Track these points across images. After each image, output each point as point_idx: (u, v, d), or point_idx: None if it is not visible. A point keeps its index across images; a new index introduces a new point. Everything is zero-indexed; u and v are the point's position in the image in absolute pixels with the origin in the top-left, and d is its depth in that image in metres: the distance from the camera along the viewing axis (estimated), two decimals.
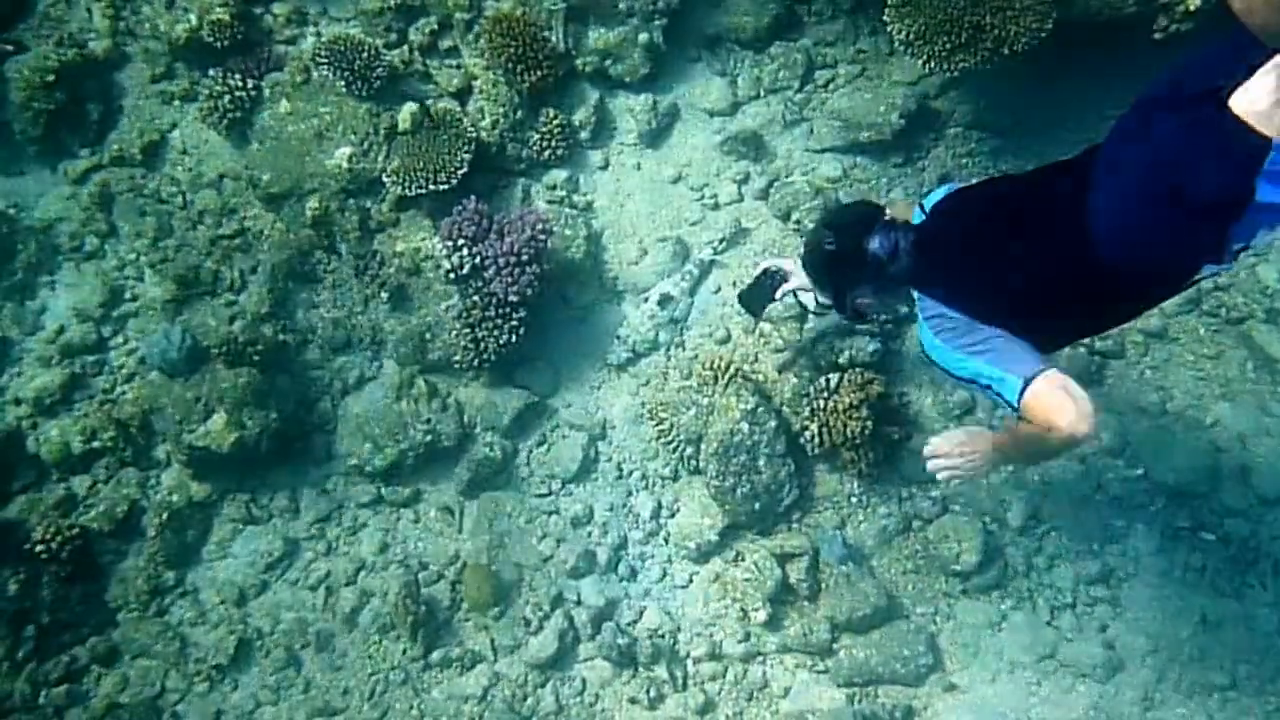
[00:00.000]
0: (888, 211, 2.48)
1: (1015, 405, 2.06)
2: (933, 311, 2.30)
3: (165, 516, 3.46)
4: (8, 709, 3.23)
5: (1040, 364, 2.07)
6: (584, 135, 3.89)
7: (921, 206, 2.58)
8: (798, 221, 3.84)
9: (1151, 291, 2.13)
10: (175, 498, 3.48)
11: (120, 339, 3.60)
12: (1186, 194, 1.85)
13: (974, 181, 2.47)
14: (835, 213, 2.51)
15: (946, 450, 2.38)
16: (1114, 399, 3.62)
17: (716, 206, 3.92)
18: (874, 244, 2.39)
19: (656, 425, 3.74)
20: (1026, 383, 2.04)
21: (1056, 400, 2.00)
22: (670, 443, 3.71)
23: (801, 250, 2.58)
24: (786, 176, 3.91)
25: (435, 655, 3.54)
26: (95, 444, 3.44)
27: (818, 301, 2.91)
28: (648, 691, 3.49)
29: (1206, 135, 1.82)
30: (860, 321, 2.68)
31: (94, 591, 3.40)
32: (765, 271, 3.13)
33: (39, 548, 3.28)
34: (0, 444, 3.34)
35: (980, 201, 2.36)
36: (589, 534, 3.67)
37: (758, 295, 3.14)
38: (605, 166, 3.93)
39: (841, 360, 3.67)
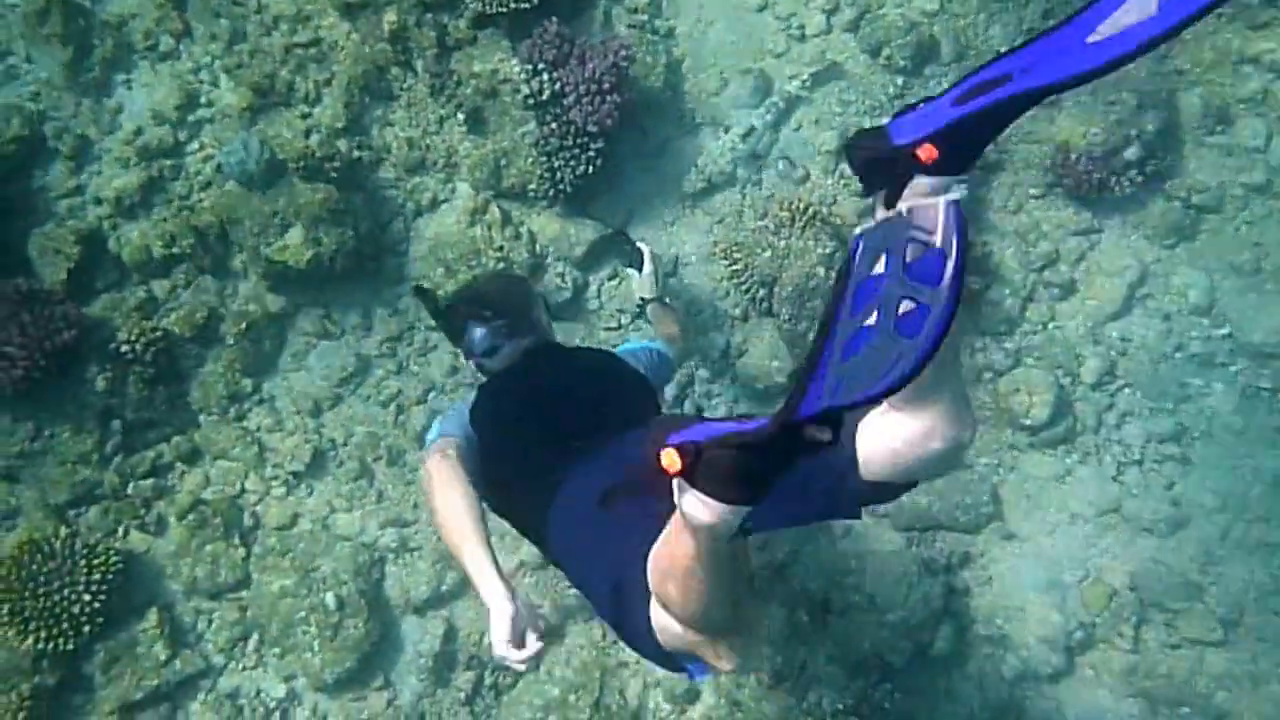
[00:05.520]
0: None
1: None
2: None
3: (243, 326, 3.50)
4: (99, 496, 3.36)
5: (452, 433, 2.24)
6: None
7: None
8: (888, 58, 3.66)
9: None
10: (252, 308, 3.51)
11: (196, 145, 3.56)
12: None
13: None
14: (485, 282, 2.74)
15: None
16: (1205, 254, 3.50)
17: (803, 38, 3.74)
18: (475, 334, 2.49)
19: (730, 265, 3.68)
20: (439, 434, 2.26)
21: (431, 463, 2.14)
22: (743, 283, 3.66)
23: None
24: (879, 8, 3.70)
25: None
26: (174, 250, 3.45)
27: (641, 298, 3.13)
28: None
29: None
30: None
31: (177, 394, 3.48)
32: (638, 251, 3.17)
33: (124, 348, 3.34)
34: (83, 242, 3.37)
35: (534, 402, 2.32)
36: None
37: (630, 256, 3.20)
38: None
39: None
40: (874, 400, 1.07)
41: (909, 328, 1.08)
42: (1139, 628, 3.38)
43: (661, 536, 1.51)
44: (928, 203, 1.10)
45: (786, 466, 1.17)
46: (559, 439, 2.13)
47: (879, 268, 1.10)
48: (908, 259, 1.10)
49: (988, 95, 1.13)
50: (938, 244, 1.09)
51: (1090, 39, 1.11)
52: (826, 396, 1.07)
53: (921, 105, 1.22)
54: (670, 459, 1.19)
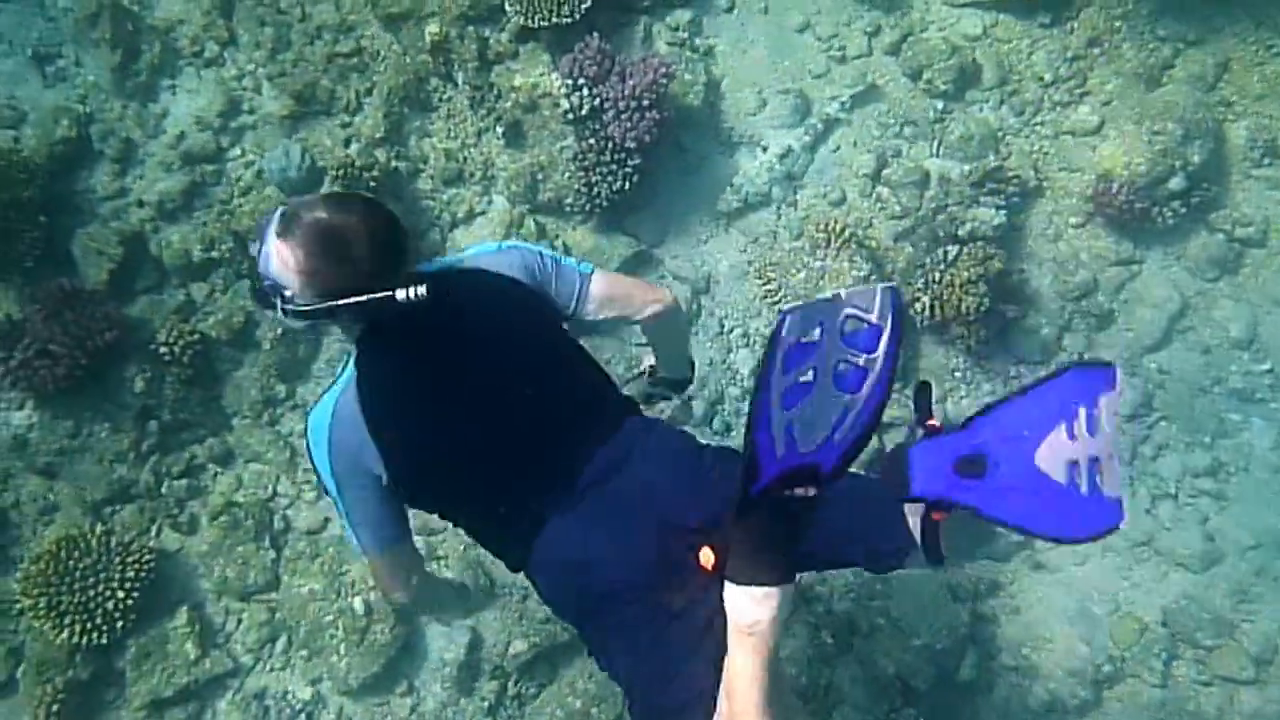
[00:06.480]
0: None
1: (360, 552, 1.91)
2: (345, 391, 1.75)
3: (279, 331, 3.53)
4: (134, 495, 3.41)
5: (385, 537, 1.84)
6: None
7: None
8: (929, 81, 3.65)
9: None
10: None
11: (238, 151, 3.60)
12: None
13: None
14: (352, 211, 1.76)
15: None
16: (1247, 288, 3.46)
17: (843, 60, 3.73)
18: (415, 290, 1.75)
19: (764, 285, 3.68)
20: (362, 552, 1.88)
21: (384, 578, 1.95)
22: (777, 303, 3.66)
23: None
24: (921, 31, 3.70)
25: None
26: (214, 253, 3.49)
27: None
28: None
29: None
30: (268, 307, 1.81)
31: (212, 396, 3.52)
32: None
33: (162, 349, 3.38)
34: (126, 243, 3.41)
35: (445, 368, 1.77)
36: None
37: None
38: (730, 9, 3.75)
39: (962, 233, 3.55)
40: (845, 453, 1.26)
41: (847, 383, 1.25)
42: (1169, 663, 3.34)
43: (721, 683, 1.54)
44: (865, 288, 1.28)
45: (798, 527, 1.33)
46: (502, 442, 1.75)
47: (811, 337, 1.26)
48: (845, 330, 1.26)
49: (972, 488, 1.42)
50: (874, 320, 1.26)
51: (1037, 459, 1.41)
52: (782, 450, 1.25)
53: (936, 440, 1.48)
54: (706, 557, 1.40)
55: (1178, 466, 3.45)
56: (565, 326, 1.96)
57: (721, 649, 1.61)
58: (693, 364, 2.39)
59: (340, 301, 1.65)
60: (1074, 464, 1.41)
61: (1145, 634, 3.34)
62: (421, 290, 1.65)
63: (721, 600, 1.59)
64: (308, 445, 1.79)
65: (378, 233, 1.67)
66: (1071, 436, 1.42)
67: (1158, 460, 3.48)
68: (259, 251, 1.70)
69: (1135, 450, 3.50)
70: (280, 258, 1.66)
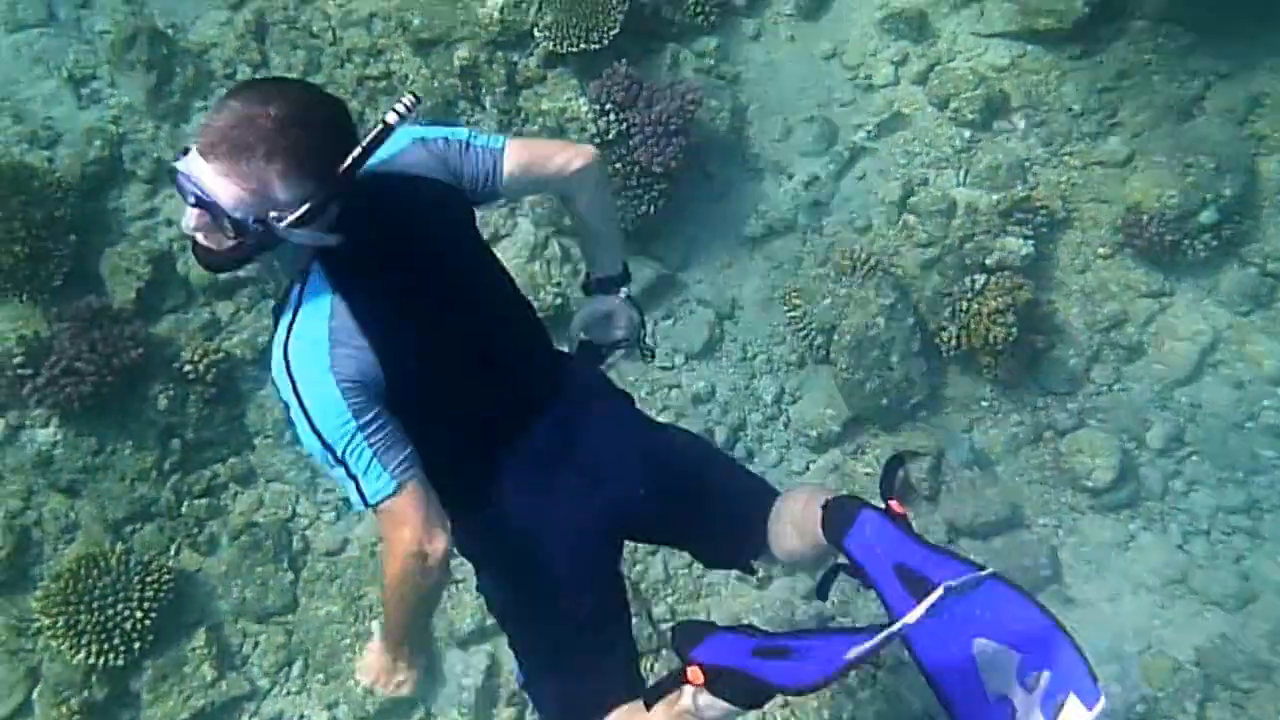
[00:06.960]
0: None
1: (367, 503, 1.56)
2: (333, 313, 1.52)
3: None
4: (154, 513, 3.40)
5: (411, 456, 1.58)
6: (739, 1, 3.72)
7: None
8: (956, 110, 3.64)
9: None
10: None
11: None
12: None
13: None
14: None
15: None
16: None
17: (870, 88, 3.73)
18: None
19: (790, 311, 3.66)
20: (399, 485, 1.54)
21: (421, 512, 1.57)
22: (801, 330, 3.63)
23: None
24: (948, 61, 3.69)
25: None
26: (239, 272, 3.50)
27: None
28: (757, 571, 3.50)
29: None
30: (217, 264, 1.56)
31: (235, 415, 3.52)
32: None
33: (187, 368, 3.39)
34: (154, 263, 3.44)
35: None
36: (709, 412, 3.65)
37: None
38: (757, 37, 3.76)
39: (989, 262, 3.52)
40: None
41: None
42: (1204, 705, 3.25)
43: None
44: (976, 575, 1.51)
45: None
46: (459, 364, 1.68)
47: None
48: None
49: (907, 605, 1.49)
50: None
51: (976, 649, 1.48)
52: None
53: (895, 528, 1.65)
54: (695, 676, 1.55)
55: (1210, 503, 3.38)
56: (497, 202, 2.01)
57: (627, 641, 1.90)
58: (625, 264, 2.12)
59: (346, 163, 1.41)
60: (1007, 702, 1.45)
61: (1179, 674, 3.25)
62: (410, 100, 1.47)
63: (625, 594, 1.93)
64: (296, 388, 1.50)
65: (310, 100, 1.45)
66: (1024, 685, 1.45)
67: (1190, 496, 3.41)
68: (210, 207, 1.40)
69: (1166, 485, 3.43)
70: (244, 184, 1.38)
